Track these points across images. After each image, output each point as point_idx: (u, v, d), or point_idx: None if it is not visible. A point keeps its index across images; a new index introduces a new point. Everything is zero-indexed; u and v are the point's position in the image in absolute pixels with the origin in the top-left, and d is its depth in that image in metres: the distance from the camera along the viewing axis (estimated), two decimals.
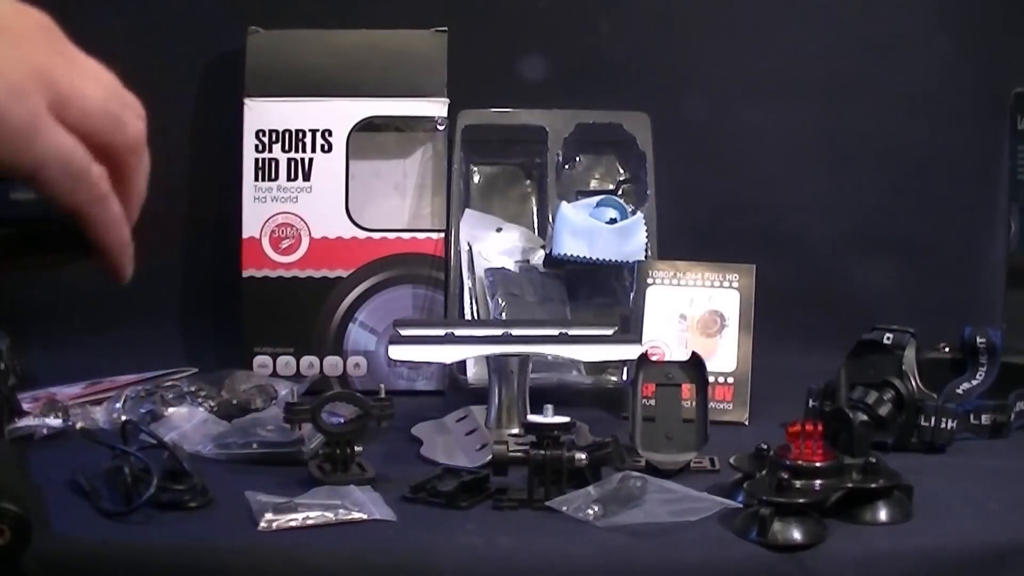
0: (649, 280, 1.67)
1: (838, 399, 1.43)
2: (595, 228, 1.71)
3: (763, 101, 1.93)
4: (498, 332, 1.52)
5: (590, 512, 1.22)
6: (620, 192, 1.84)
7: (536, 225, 1.84)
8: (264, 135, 1.75)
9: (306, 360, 1.75)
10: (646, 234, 1.74)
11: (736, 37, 1.94)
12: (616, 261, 1.72)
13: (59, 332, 1.84)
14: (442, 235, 1.77)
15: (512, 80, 1.88)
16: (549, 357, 1.57)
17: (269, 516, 1.21)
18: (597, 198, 1.76)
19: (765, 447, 1.28)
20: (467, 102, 1.79)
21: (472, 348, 1.51)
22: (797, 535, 1.18)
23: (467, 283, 1.76)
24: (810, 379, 1.54)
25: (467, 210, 1.81)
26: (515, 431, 1.43)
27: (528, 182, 1.87)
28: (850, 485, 1.24)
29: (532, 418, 1.31)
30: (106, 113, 0.79)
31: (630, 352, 1.49)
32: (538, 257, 1.78)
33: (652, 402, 1.42)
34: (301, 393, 1.58)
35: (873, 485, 1.24)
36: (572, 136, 1.80)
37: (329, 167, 1.75)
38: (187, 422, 1.49)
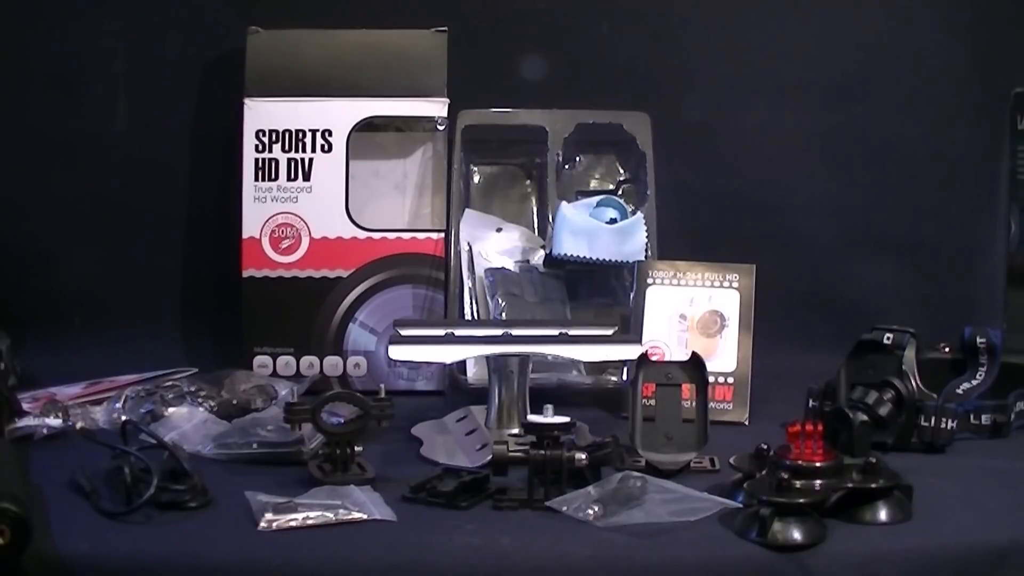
0: (649, 280, 1.67)
1: (838, 399, 1.43)
2: (595, 228, 1.71)
3: (763, 101, 1.93)
4: (498, 332, 1.52)
5: (590, 512, 1.22)
6: (620, 192, 1.84)
7: (536, 225, 1.84)
8: (264, 135, 1.75)
9: (306, 360, 1.75)
10: (646, 234, 1.74)
11: (736, 37, 1.94)
12: (616, 261, 1.72)
13: (59, 332, 1.84)
14: (442, 235, 1.77)
15: (512, 80, 1.88)
16: (549, 357, 1.57)
17: (269, 516, 1.21)
18: (597, 198, 1.76)
19: (765, 447, 1.28)
20: (467, 102, 1.79)
21: (472, 348, 1.51)
22: (797, 535, 1.18)
23: (467, 283, 1.76)
24: (810, 379, 1.54)
25: (467, 210, 1.81)
26: (515, 431, 1.43)
27: (528, 182, 1.87)
28: (850, 485, 1.24)
29: (532, 418, 1.31)
30: None
31: (630, 352, 1.49)
32: (538, 257, 1.78)
33: (652, 402, 1.42)
34: (301, 393, 1.59)
35: (873, 485, 1.24)
36: (572, 136, 1.80)
37: (329, 167, 1.75)
38: (187, 422, 1.49)
